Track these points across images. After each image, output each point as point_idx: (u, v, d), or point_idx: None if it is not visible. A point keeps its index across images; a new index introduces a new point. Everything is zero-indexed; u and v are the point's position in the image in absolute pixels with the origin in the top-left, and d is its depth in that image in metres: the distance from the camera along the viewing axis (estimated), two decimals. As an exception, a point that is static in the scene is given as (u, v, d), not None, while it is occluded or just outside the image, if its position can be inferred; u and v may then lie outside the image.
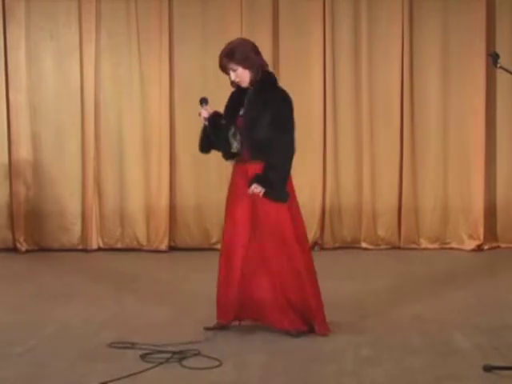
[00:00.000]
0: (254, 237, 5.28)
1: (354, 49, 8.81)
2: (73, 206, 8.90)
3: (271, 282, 5.22)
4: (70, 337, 5.32)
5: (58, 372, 4.57)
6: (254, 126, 5.21)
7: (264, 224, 5.26)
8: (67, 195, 8.92)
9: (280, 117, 5.20)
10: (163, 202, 8.83)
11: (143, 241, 8.91)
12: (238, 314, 5.39)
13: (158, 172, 8.85)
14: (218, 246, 8.76)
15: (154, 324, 5.68)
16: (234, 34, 8.69)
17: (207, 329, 5.39)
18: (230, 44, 5.37)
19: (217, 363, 4.66)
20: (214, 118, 5.47)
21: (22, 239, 8.86)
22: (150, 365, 4.62)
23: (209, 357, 4.77)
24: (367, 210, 8.88)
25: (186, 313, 6.01)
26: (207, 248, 8.84)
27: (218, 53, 8.56)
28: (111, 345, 5.06)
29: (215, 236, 8.89)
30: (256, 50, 5.28)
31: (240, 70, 5.21)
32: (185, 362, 4.68)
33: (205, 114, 5.47)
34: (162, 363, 4.66)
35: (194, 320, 5.72)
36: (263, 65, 5.27)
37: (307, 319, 5.30)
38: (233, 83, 5.36)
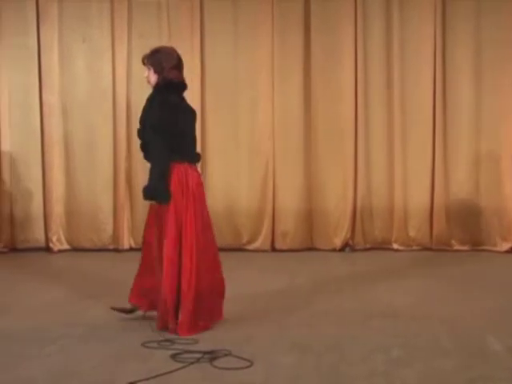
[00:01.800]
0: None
1: (386, 48, 8.77)
2: (105, 206, 8.96)
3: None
4: (100, 336, 5.34)
5: (88, 372, 4.60)
6: (142, 129, 5.59)
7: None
8: (99, 195, 8.97)
9: (153, 122, 5.43)
10: (194, 202, 8.84)
11: (174, 241, 8.92)
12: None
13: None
14: (249, 247, 8.86)
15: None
16: (265, 34, 8.76)
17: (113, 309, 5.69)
18: (160, 46, 5.74)
19: (247, 363, 4.66)
20: None
21: (54, 239, 8.94)
22: (181, 365, 4.64)
23: (239, 357, 4.77)
24: (399, 210, 8.84)
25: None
26: (238, 248, 8.85)
27: (249, 53, 8.78)
28: (143, 344, 5.09)
29: (246, 236, 8.90)
30: (174, 64, 5.59)
31: (151, 71, 5.59)
32: (215, 362, 4.69)
33: None
34: (192, 363, 4.67)
35: (223, 320, 5.73)
36: (171, 78, 5.56)
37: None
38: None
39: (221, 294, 5.70)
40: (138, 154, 8.77)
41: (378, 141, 8.84)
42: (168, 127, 5.42)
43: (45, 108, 8.91)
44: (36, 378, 4.49)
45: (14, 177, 8.95)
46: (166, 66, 5.55)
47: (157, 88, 5.57)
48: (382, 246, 8.90)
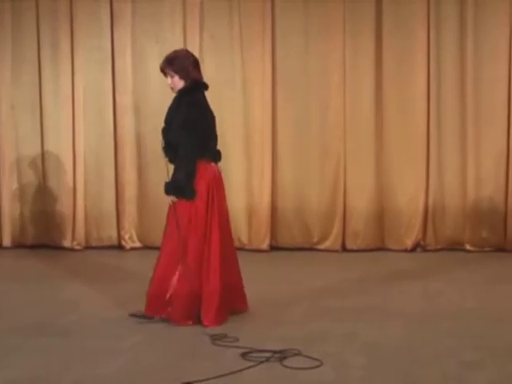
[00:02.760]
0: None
1: (459, 49, 8.62)
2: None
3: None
4: (173, 334, 5.40)
5: (160, 368, 4.66)
6: (168, 130, 5.67)
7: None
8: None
9: (183, 121, 5.54)
10: (265, 201, 8.88)
11: (245, 240, 8.97)
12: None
13: (260, 172, 8.90)
14: (320, 246, 8.85)
15: (254, 323, 5.72)
16: (336, 36, 8.71)
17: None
18: (174, 52, 5.83)
19: (317, 363, 4.66)
20: None
21: (126, 237, 9.07)
22: (251, 363, 4.66)
23: (309, 357, 4.78)
24: (471, 210, 8.70)
25: (285, 312, 6.03)
26: (308, 248, 8.85)
27: (321, 55, 8.75)
28: (214, 342, 5.13)
29: (316, 236, 8.89)
30: (195, 64, 5.75)
31: (176, 78, 5.67)
32: (285, 362, 4.70)
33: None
34: (262, 362, 4.69)
35: (293, 319, 5.74)
36: (197, 79, 5.72)
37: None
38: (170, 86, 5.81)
39: (240, 286, 5.91)
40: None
41: (451, 141, 8.72)
42: (196, 126, 5.55)
43: (118, 109, 9.04)
44: (108, 374, 4.56)
45: (88, 176, 9.10)
46: (190, 69, 5.67)
47: (184, 89, 5.67)
48: (454, 247, 8.77)
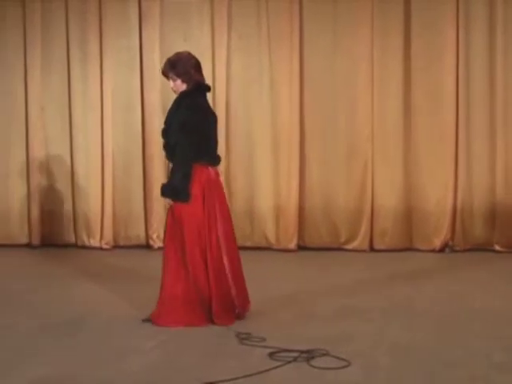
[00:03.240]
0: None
1: (489, 50, 8.55)
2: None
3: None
4: (200, 333, 5.41)
5: (186, 367, 4.68)
6: (167, 132, 5.66)
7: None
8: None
9: (181, 124, 5.52)
10: (292, 201, 8.87)
11: (272, 240, 8.97)
12: None
13: (288, 171, 8.89)
14: (348, 246, 8.83)
15: (281, 323, 5.72)
16: (364, 34, 8.69)
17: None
18: (176, 55, 5.79)
19: (345, 363, 4.65)
20: None
21: (154, 236, 9.09)
22: (278, 363, 4.66)
23: (337, 357, 4.76)
24: (500, 211, 8.64)
25: (312, 312, 6.02)
26: (336, 248, 8.83)
27: (349, 53, 8.74)
28: (241, 342, 5.13)
29: (344, 235, 8.87)
30: (197, 67, 5.75)
31: (179, 81, 5.67)
32: (313, 362, 4.69)
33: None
34: (289, 362, 4.69)
35: (320, 319, 5.73)
36: (199, 81, 5.73)
37: None
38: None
39: (244, 286, 5.88)
40: (237, 154, 9.00)
41: (480, 141, 8.66)
42: (195, 129, 5.54)
43: (146, 107, 9.08)
44: (135, 372, 4.58)
45: (116, 175, 9.15)
46: (192, 71, 5.67)
47: (185, 92, 5.67)
48: (483, 248, 8.71)
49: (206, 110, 5.75)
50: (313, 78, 8.85)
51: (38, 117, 9.22)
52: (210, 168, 5.69)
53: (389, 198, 8.77)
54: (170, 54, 8.88)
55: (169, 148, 5.63)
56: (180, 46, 8.90)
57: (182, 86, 5.66)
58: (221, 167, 8.91)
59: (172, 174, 5.57)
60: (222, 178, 6.08)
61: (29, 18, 9.16)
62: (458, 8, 8.55)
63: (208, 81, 8.87)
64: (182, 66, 5.64)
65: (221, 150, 8.86)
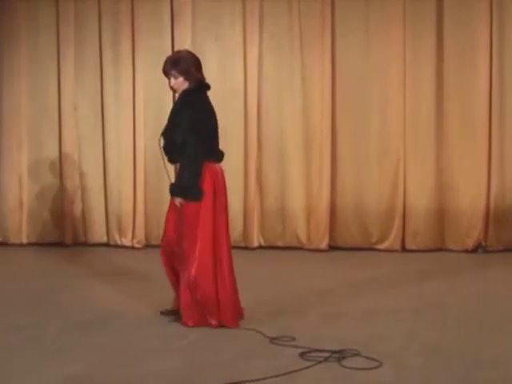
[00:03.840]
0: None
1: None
2: (235, 204, 9.06)
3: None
4: (230, 333, 5.42)
5: (216, 367, 4.68)
6: (172, 131, 5.61)
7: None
8: (230, 193, 8.98)
9: (188, 122, 5.50)
10: (324, 200, 8.86)
11: (304, 239, 8.96)
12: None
13: (319, 171, 8.88)
14: (379, 246, 8.79)
15: (312, 322, 5.72)
16: (396, 33, 8.65)
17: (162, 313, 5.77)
18: (177, 53, 5.82)
19: (376, 364, 4.63)
20: None
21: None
22: (309, 363, 4.65)
23: (368, 357, 4.75)
24: (534, 211, 8.58)
25: (343, 312, 6.01)
26: (367, 248, 8.80)
27: (381, 52, 8.70)
28: (272, 341, 5.13)
29: (376, 235, 8.84)
30: (198, 65, 5.72)
31: (181, 79, 5.62)
32: (344, 362, 4.68)
33: None
34: (320, 362, 4.68)
35: (351, 319, 5.72)
36: (201, 79, 5.69)
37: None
38: (172, 88, 5.75)
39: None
40: (269, 153, 9.00)
41: (514, 138, 8.61)
42: (204, 127, 5.55)
43: (178, 107, 9.10)
44: (165, 371, 4.59)
45: (148, 174, 9.18)
46: (192, 70, 5.65)
47: (189, 90, 5.65)
48: (517, 248, 8.65)
49: (212, 108, 5.74)
50: (345, 77, 8.82)
51: (71, 115, 9.29)
52: (217, 165, 5.69)
53: (421, 197, 8.72)
54: (202, 53, 8.96)
55: (174, 147, 5.59)
56: (211, 46, 9.00)
57: (183, 84, 5.63)
58: (252, 167, 9.01)
59: (182, 173, 5.53)
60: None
61: (62, 18, 9.24)
62: (492, 8, 8.47)
63: (239, 81, 9.02)
64: (185, 63, 5.63)
65: (252, 149, 8.97)
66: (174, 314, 5.71)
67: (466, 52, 8.57)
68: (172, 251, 5.70)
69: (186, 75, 5.61)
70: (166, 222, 5.76)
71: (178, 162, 5.62)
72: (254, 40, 8.93)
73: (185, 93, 5.65)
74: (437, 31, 8.62)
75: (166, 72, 5.69)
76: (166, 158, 5.77)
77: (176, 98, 5.85)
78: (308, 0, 8.81)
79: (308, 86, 8.89)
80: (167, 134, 5.66)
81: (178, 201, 5.56)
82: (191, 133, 5.48)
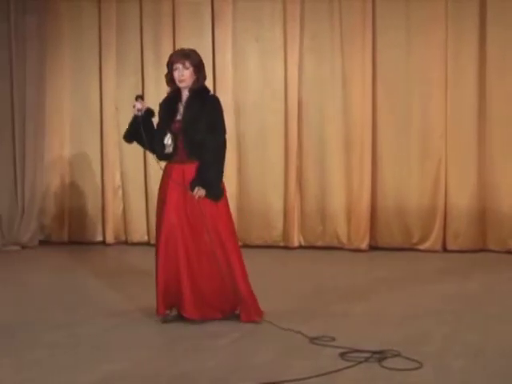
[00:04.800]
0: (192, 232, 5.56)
1: None
2: (276, 204, 9.07)
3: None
4: (271, 332, 5.42)
5: (257, 366, 4.69)
6: (193, 127, 5.54)
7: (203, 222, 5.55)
8: (270, 193, 9.10)
9: (214, 120, 5.57)
10: (364, 200, 8.83)
11: (344, 239, 8.94)
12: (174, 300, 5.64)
13: (360, 171, 8.85)
14: (420, 247, 8.73)
15: (352, 323, 5.71)
16: (438, 29, 8.59)
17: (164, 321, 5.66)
18: (187, 48, 5.76)
19: (416, 365, 4.60)
20: (147, 112, 5.70)
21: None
22: (349, 363, 4.64)
23: (409, 358, 4.72)
24: None
25: (383, 312, 5.99)
26: (408, 248, 8.75)
27: (422, 49, 8.63)
28: (312, 341, 5.13)
29: (417, 236, 8.79)
30: (203, 63, 5.72)
31: (191, 70, 5.59)
32: (384, 363, 4.66)
33: (139, 106, 5.67)
34: (360, 362, 4.67)
35: (392, 320, 5.70)
36: (205, 77, 5.72)
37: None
38: (169, 82, 5.69)
39: None
40: (309, 153, 8.99)
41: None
42: (225, 127, 5.65)
43: (219, 107, 9.12)
44: (204, 370, 4.61)
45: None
46: (202, 65, 5.68)
47: (204, 88, 5.68)
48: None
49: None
50: (385, 76, 8.78)
51: (113, 115, 9.37)
52: None
53: (462, 197, 8.64)
54: (242, 54, 9.10)
55: (194, 145, 5.55)
56: (252, 46, 9.01)
57: (192, 77, 5.59)
58: (293, 167, 9.01)
59: (207, 170, 5.52)
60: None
61: (104, 18, 9.34)
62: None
63: (280, 81, 9.05)
64: (196, 56, 5.65)
65: (292, 149, 8.97)
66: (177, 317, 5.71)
67: (508, 53, 8.47)
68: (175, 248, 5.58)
69: (197, 68, 5.61)
70: (166, 211, 5.56)
71: (196, 159, 5.56)
72: (294, 40, 8.92)
73: (202, 89, 5.67)
74: (479, 33, 8.52)
75: (177, 61, 5.60)
76: (157, 159, 5.73)
77: (174, 93, 5.73)
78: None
79: (348, 85, 8.86)
80: (186, 132, 5.56)
81: (198, 195, 5.51)
82: (217, 132, 5.57)
